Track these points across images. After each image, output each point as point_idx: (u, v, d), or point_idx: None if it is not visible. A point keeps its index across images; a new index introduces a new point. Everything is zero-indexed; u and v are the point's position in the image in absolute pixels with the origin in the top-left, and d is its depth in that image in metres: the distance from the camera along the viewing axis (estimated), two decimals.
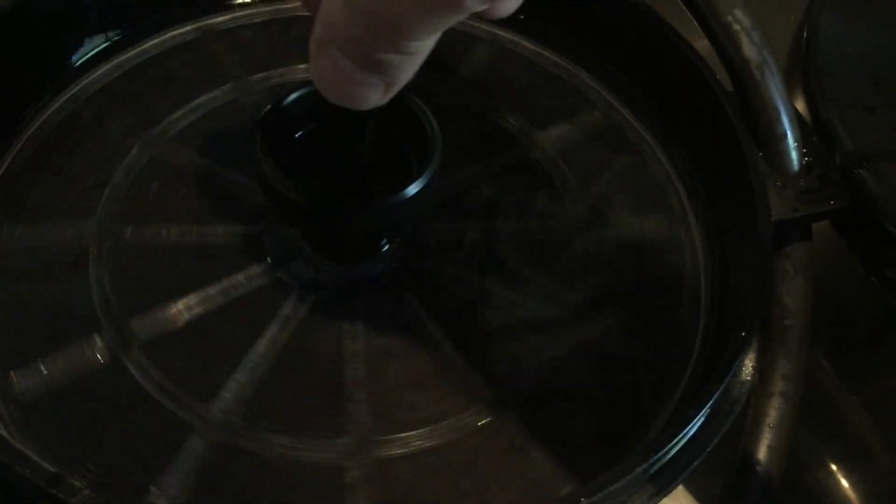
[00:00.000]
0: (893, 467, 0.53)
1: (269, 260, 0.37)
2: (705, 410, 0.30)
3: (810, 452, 0.54)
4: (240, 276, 0.37)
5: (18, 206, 0.38)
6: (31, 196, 0.39)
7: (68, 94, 0.42)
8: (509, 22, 0.45)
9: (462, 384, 0.35)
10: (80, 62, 0.43)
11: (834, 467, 0.54)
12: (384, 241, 0.38)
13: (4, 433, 0.31)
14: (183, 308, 0.36)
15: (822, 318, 0.47)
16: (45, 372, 0.34)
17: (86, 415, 0.33)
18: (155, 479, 0.32)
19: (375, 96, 0.26)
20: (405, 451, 0.33)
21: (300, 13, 0.46)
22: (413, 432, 0.34)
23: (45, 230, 0.38)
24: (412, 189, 0.33)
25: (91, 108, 0.42)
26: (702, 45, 0.42)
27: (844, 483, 0.53)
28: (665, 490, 0.30)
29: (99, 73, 0.43)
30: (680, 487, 0.53)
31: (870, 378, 0.54)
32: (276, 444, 0.33)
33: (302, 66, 0.44)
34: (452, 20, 0.23)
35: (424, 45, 0.24)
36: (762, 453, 0.37)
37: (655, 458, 0.28)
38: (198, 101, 0.42)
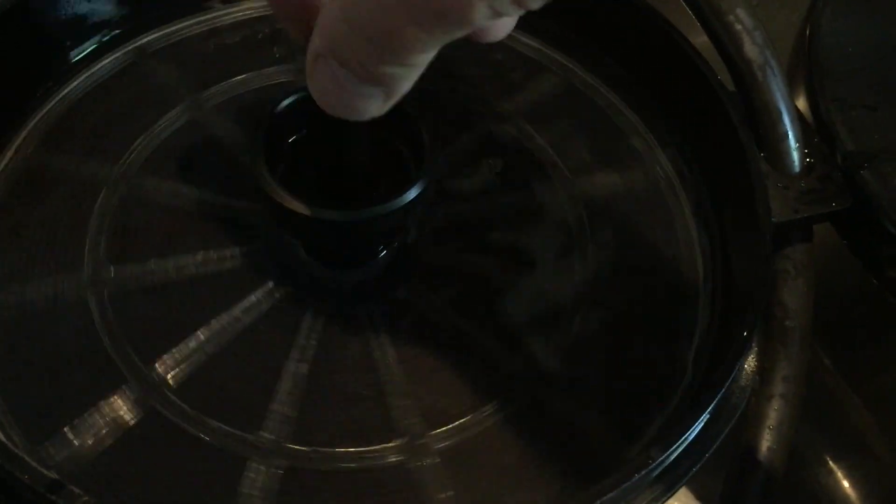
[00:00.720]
0: (895, 466, 0.53)
1: (272, 277, 0.37)
2: (706, 414, 0.30)
3: (812, 451, 0.54)
4: (250, 299, 0.36)
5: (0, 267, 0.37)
6: (10, 256, 0.37)
7: (13, 147, 0.40)
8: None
9: (489, 364, 0.35)
10: (24, 106, 0.41)
11: (835, 466, 0.54)
12: (374, 251, 0.38)
13: (3, 438, 0.31)
14: (201, 342, 0.35)
15: (824, 318, 0.47)
16: (82, 439, 0.32)
17: (134, 474, 0.32)
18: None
19: (375, 107, 0.25)
20: (457, 440, 0.33)
21: (234, 20, 0.45)
22: (459, 422, 0.34)
23: (37, 289, 0.36)
24: (410, 194, 0.33)
25: (46, 155, 0.40)
26: (701, 41, 0.41)
27: (845, 482, 0.53)
28: (667, 493, 0.30)
29: (48, 108, 0.41)
30: (684, 489, 0.53)
31: (872, 377, 0.54)
32: (334, 458, 0.33)
33: (242, 76, 0.43)
34: (457, 34, 0.22)
35: (427, 58, 0.23)
36: (762, 455, 0.37)
37: (657, 462, 0.28)
38: (154, 128, 0.41)
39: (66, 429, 0.32)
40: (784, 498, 0.39)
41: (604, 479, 0.28)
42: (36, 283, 0.36)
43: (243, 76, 0.43)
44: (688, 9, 0.41)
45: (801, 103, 0.43)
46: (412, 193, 0.33)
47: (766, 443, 0.37)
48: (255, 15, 0.45)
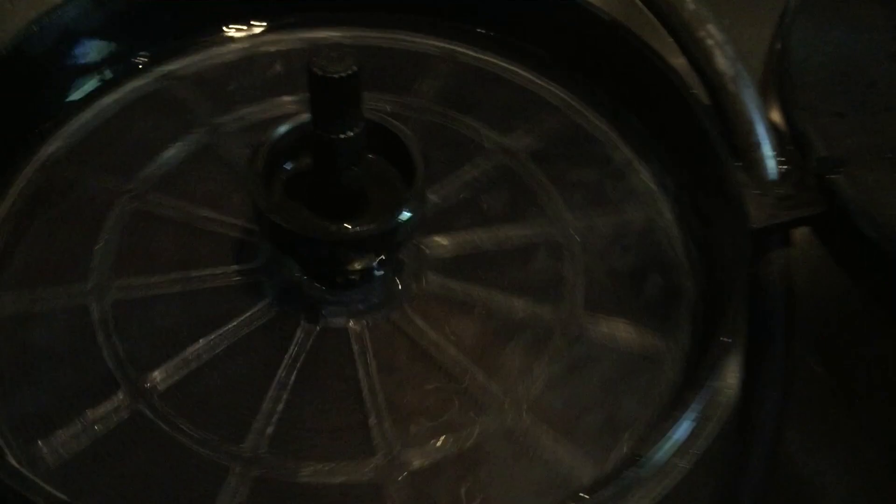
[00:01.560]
0: (885, 469, 0.53)
1: (268, 295, 0.38)
2: (690, 411, 0.30)
3: (803, 455, 0.55)
4: (244, 316, 0.37)
5: (9, 273, 0.38)
6: (20, 263, 0.39)
7: (37, 161, 0.42)
8: (479, 40, 0.47)
9: (469, 390, 0.36)
10: (45, 126, 0.43)
11: (827, 469, 0.55)
12: (369, 270, 0.39)
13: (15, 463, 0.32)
14: (194, 354, 0.36)
15: (811, 322, 0.48)
16: (73, 440, 0.34)
17: (121, 473, 0.33)
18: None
19: None
20: (433, 459, 0.34)
21: (263, 50, 0.48)
22: (434, 442, 0.34)
23: (42, 295, 0.38)
24: (405, 213, 0.34)
25: (66, 171, 0.42)
26: (679, 62, 0.43)
27: (838, 486, 0.54)
28: (661, 493, 0.30)
29: (67, 130, 0.44)
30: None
31: (861, 381, 0.55)
32: (310, 472, 0.34)
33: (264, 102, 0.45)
34: None
35: None
36: (753, 455, 0.38)
37: (645, 459, 0.29)
38: (172, 149, 0.43)
39: (58, 430, 0.34)
40: (776, 501, 0.40)
41: (592, 480, 0.29)
42: (42, 289, 0.38)
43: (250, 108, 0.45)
44: (662, 26, 0.42)
45: (775, 114, 0.44)
46: (403, 214, 0.34)
47: (756, 443, 0.38)
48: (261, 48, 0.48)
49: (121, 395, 0.35)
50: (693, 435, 0.32)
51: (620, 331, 0.38)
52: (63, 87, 0.44)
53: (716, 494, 0.37)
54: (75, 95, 0.45)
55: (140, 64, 0.46)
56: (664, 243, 0.41)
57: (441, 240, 0.40)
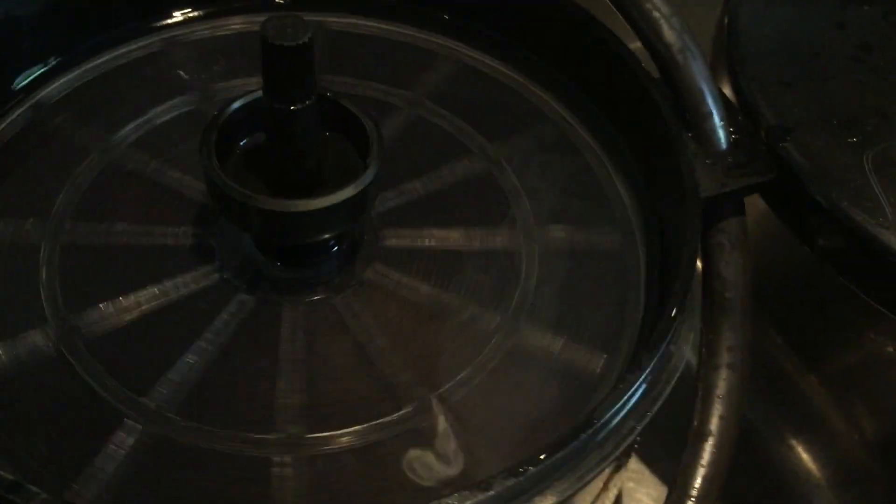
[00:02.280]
0: (851, 438, 0.54)
1: (217, 262, 0.38)
2: (645, 374, 0.31)
3: (771, 428, 0.56)
4: (187, 276, 0.38)
5: None
6: None
7: (31, 101, 0.43)
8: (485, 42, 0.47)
9: (393, 387, 0.36)
10: (45, 69, 0.44)
11: (794, 441, 0.55)
12: (331, 244, 0.39)
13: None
14: (129, 305, 0.37)
15: (774, 296, 0.48)
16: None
17: (24, 404, 0.34)
18: (83, 467, 0.32)
19: None
20: (333, 448, 0.34)
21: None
22: (341, 431, 0.34)
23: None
24: (351, 190, 0.34)
25: (54, 115, 0.43)
26: (635, 46, 0.43)
27: (805, 456, 0.55)
28: (615, 451, 0.31)
29: (64, 80, 0.44)
30: (644, 469, 0.54)
31: (824, 353, 0.56)
32: (206, 438, 0.34)
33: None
34: None
35: None
36: (714, 424, 0.38)
37: (601, 421, 0.29)
38: (159, 108, 0.43)
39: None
40: (746, 475, 0.40)
41: (549, 444, 0.29)
42: (1, 221, 0.39)
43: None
44: (608, 2, 0.42)
45: (725, 86, 0.45)
46: (362, 183, 0.34)
47: (716, 412, 0.38)
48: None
49: (45, 331, 0.36)
50: (647, 397, 0.32)
51: (558, 345, 0.38)
52: (69, 35, 0.45)
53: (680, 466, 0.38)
54: (80, 45, 0.45)
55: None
56: (618, 210, 0.42)
57: (401, 232, 0.40)
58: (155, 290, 0.37)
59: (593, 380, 0.36)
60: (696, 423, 0.39)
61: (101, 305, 0.37)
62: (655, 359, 0.31)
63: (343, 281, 0.38)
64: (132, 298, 0.37)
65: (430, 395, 0.35)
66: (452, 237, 0.40)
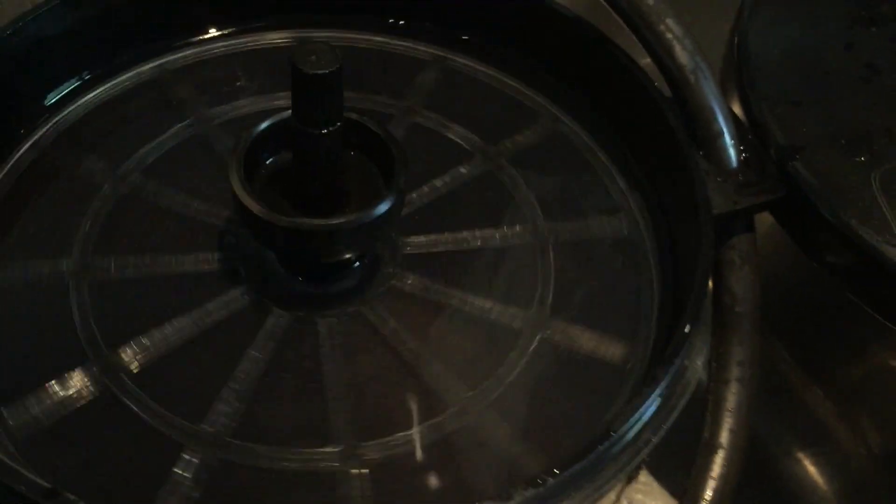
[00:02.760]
0: (857, 451, 0.55)
1: (244, 284, 0.39)
2: (661, 387, 0.32)
3: (778, 442, 0.56)
4: (219, 301, 0.38)
5: None
6: (5, 235, 0.40)
7: (33, 138, 0.44)
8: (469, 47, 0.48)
9: (434, 390, 0.37)
10: (49, 103, 0.45)
11: (800, 454, 0.56)
12: (356, 258, 0.40)
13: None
14: (166, 334, 0.37)
15: (780, 310, 0.49)
16: (38, 407, 0.35)
17: (80, 446, 0.35)
18: (151, 500, 0.33)
19: None
20: (390, 454, 0.35)
21: (254, 47, 0.49)
22: (394, 437, 0.35)
23: (23, 268, 0.39)
24: (379, 209, 0.35)
25: (59, 150, 0.44)
26: (645, 62, 0.44)
27: (811, 469, 0.55)
28: (631, 463, 0.31)
29: (64, 114, 0.45)
30: (654, 482, 0.55)
31: (831, 367, 0.56)
32: (266, 457, 0.34)
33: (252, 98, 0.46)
34: None
35: None
36: (724, 437, 0.39)
37: (619, 434, 0.30)
38: (162, 137, 0.44)
39: (26, 397, 0.35)
40: (752, 487, 0.41)
41: (565, 456, 0.30)
42: (26, 264, 0.39)
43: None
44: (622, 22, 0.43)
45: (735, 105, 0.45)
46: (380, 209, 0.35)
47: (726, 425, 0.39)
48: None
49: (87, 370, 0.36)
50: (662, 410, 0.33)
51: (585, 336, 0.39)
52: (66, 71, 0.45)
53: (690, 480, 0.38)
54: (76, 80, 0.46)
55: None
56: (632, 228, 0.43)
57: (417, 240, 0.41)
58: (188, 318, 0.37)
59: (619, 367, 0.38)
60: (706, 436, 0.39)
61: (140, 339, 0.37)
62: (671, 373, 0.32)
63: (371, 291, 0.39)
64: (168, 329, 0.37)
65: (469, 393, 0.36)
66: (467, 239, 0.41)
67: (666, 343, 0.37)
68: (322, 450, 0.35)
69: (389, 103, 0.47)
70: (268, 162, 0.37)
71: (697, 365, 0.37)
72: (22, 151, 0.43)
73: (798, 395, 0.56)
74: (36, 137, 0.44)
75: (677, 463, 0.40)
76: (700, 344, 0.37)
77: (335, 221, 0.35)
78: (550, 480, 0.29)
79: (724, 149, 0.41)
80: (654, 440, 0.32)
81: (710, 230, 0.37)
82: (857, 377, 0.56)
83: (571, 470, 0.30)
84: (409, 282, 0.40)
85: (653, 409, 0.32)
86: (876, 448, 0.54)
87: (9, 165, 0.42)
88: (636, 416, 0.31)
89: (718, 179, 0.41)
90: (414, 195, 0.42)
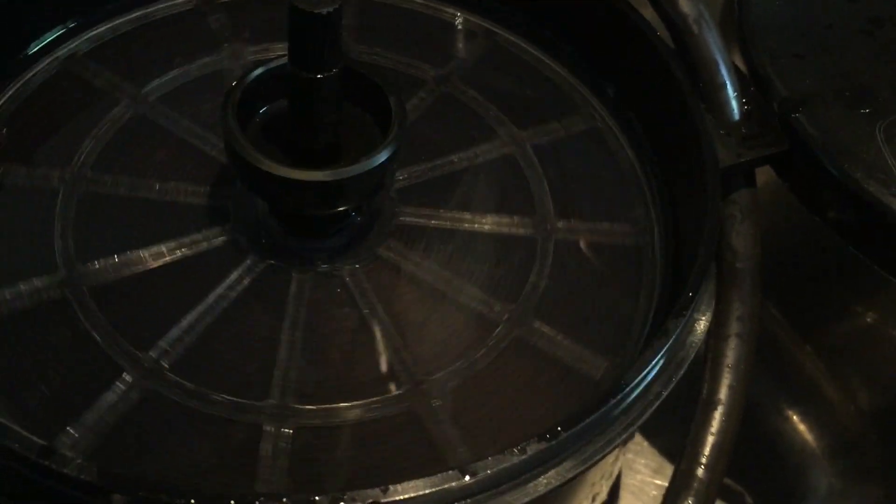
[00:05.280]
0: (846, 409, 0.55)
1: (230, 224, 0.38)
2: (671, 342, 0.31)
3: (766, 398, 0.56)
4: (198, 235, 0.38)
5: None
6: (11, 140, 0.40)
7: (64, 50, 0.43)
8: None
9: (391, 367, 0.36)
10: (78, 20, 0.44)
11: (789, 412, 0.56)
12: (346, 217, 0.39)
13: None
14: (139, 258, 0.37)
15: (771, 268, 0.49)
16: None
17: (27, 348, 0.34)
18: (78, 415, 0.33)
19: None
20: (324, 422, 0.34)
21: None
22: (334, 405, 0.34)
23: (20, 171, 0.38)
24: (372, 162, 0.34)
25: (84, 65, 0.43)
26: (649, 13, 0.43)
27: (800, 426, 0.56)
28: (641, 417, 0.31)
29: (95, 33, 0.44)
30: (644, 441, 0.55)
31: (820, 325, 0.57)
32: (198, 399, 0.34)
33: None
34: None
35: None
36: (723, 392, 0.38)
37: (631, 385, 0.30)
38: (191, 66, 0.43)
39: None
40: (741, 445, 0.41)
41: (575, 414, 0.30)
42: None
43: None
44: None
45: (737, 58, 0.45)
46: (382, 156, 0.34)
47: (725, 381, 0.39)
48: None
49: (52, 277, 0.36)
50: (671, 364, 0.32)
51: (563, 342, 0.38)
52: None
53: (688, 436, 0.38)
54: None
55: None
56: (633, 185, 0.42)
57: (419, 211, 0.40)
58: (166, 246, 0.37)
59: (591, 382, 0.36)
60: (705, 392, 0.39)
61: (112, 258, 0.37)
62: (681, 326, 0.32)
63: (355, 254, 0.38)
64: (142, 252, 0.37)
65: (427, 378, 0.35)
66: (470, 220, 0.40)
67: (673, 298, 0.37)
68: (254, 402, 0.34)
69: (425, 69, 0.45)
70: (264, 109, 0.36)
71: (703, 318, 0.36)
72: (43, 65, 0.43)
73: (787, 352, 0.56)
74: (60, 53, 0.43)
75: (665, 422, 0.40)
76: (708, 299, 0.36)
77: (323, 172, 0.33)
78: (563, 433, 0.29)
79: (727, 101, 0.41)
80: (665, 393, 0.31)
81: (718, 180, 0.36)
82: (846, 335, 0.56)
83: (584, 423, 0.29)
84: (397, 251, 0.38)
85: (663, 362, 0.32)
86: (864, 405, 0.55)
87: (25, 78, 0.42)
88: (647, 368, 0.31)
89: (722, 132, 0.40)
90: (424, 167, 0.41)
